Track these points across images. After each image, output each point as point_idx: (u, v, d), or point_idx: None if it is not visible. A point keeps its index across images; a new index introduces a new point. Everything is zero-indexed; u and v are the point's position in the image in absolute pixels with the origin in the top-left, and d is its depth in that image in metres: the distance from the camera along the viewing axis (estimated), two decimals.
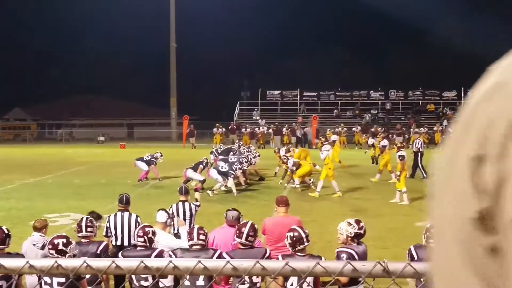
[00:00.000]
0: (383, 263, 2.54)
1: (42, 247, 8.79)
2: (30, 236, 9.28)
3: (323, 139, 31.67)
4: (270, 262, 2.60)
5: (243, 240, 8.04)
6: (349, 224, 8.24)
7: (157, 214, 9.93)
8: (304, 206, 19.14)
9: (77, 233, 8.81)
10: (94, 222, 9.26)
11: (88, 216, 9.35)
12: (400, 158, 20.51)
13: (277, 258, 7.43)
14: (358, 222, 8.27)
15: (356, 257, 7.79)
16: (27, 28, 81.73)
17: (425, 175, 26.63)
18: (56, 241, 7.56)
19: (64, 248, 7.58)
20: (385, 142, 28.24)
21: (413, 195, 21.76)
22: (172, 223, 9.82)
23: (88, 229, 8.97)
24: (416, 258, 7.76)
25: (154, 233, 8.52)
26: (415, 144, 27.95)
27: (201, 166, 23.16)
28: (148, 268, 2.62)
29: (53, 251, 7.46)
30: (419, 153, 27.26)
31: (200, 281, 7.56)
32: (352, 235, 8.13)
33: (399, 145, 22.04)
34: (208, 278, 7.43)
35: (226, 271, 2.60)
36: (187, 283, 7.50)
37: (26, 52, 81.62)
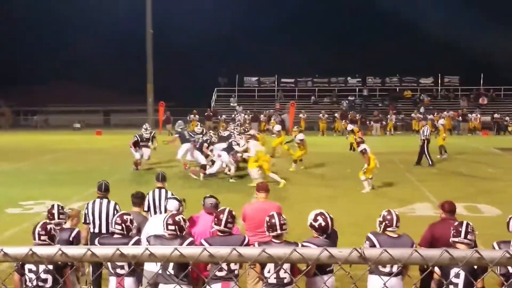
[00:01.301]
0: (359, 250, 2.55)
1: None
2: None
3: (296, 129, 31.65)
4: (247, 249, 2.59)
5: (222, 227, 8.00)
6: (314, 215, 8.09)
7: (168, 203, 9.73)
8: (281, 192, 19.19)
9: (49, 220, 8.72)
10: (65, 209, 9.25)
11: (59, 203, 9.29)
12: (363, 151, 20.08)
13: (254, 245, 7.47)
14: (320, 214, 8.05)
15: (377, 245, 7.80)
16: (0, 14, 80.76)
17: (431, 163, 26.50)
18: (48, 227, 7.53)
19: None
20: (349, 127, 28.36)
21: (392, 182, 21.91)
22: (181, 210, 9.63)
23: (60, 216, 8.93)
24: (377, 246, 7.73)
25: (131, 221, 8.47)
26: (423, 132, 27.26)
27: (205, 144, 23.35)
28: (124, 256, 2.60)
29: (45, 237, 7.42)
30: (426, 141, 26.84)
31: (170, 269, 7.53)
32: (310, 227, 8.05)
33: (358, 140, 21.34)
34: (179, 266, 7.41)
35: (203, 258, 2.59)
36: (159, 270, 7.49)
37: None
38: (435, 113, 49.77)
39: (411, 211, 16.57)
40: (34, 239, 7.50)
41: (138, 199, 10.55)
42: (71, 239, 8.61)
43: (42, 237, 7.45)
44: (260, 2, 79.44)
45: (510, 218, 7.96)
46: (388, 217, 8.04)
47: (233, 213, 8.18)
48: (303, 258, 2.56)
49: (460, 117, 50.61)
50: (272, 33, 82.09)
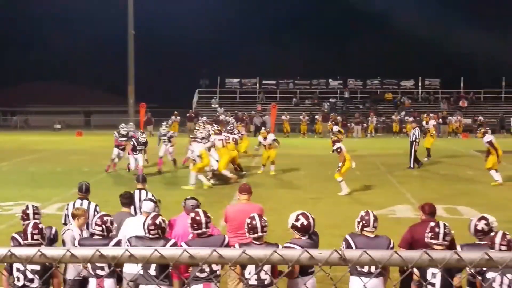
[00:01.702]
0: (339, 251, 2.55)
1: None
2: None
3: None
4: (227, 250, 2.59)
5: (203, 229, 7.99)
6: (295, 216, 8.11)
7: (143, 204, 9.72)
8: (263, 194, 19.19)
9: (23, 221, 8.70)
10: (40, 209, 9.26)
11: (34, 204, 9.28)
12: (338, 150, 20.03)
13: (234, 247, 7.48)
14: (302, 214, 8.09)
15: (353, 245, 7.87)
16: None
17: (412, 166, 26.50)
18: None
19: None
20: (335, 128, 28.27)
21: (373, 184, 21.99)
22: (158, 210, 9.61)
23: (35, 216, 8.89)
24: (354, 247, 7.80)
25: (112, 222, 8.46)
26: (414, 134, 27.09)
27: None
28: (103, 257, 2.59)
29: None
30: (414, 143, 26.70)
31: (152, 271, 7.51)
32: (292, 228, 8.06)
33: (334, 138, 21.22)
34: (161, 268, 7.39)
35: (183, 260, 2.58)
36: (141, 271, 7.47)
37: None
38: (425, 114, 50.03)
39: (391, 213, 16.65)
40: (26, 239, 7.61)
41: (127, 199, 10.52)
42: (52, 236, 8.59)
43: (35, 236, 7.63)
44: (242, 4, 79.47)
45: (471, 221, 8.05)
46: (366, 217, 8.14)
47: (208, 213, 8.18)
48: (284, 260, 2.56)
49: (441, 120, 50.87)
50: (253, 35, 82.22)
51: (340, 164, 19.92)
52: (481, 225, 7.88)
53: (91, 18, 75.31)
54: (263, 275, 7.37)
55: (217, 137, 23.29)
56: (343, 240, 8.08)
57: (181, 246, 7.81)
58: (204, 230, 8.00)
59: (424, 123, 31.03)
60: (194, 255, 2.56)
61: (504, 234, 7.23)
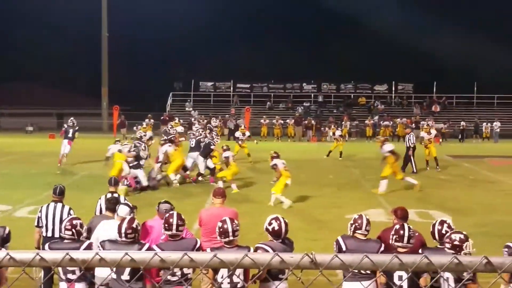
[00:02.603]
0: (311, 255, 2.56)
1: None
2: None
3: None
4: (199, 254, 2.58)
5: (173, 231, 8.03)
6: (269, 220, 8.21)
7: (118, 208, 9.63)
8: (237, 197, 19.20)
9: None
10: None
11: None
12: (274, 167, 19.32)
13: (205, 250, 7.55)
14: (275, 218, 8.14)
15: (343, 247, 8.05)
16: None
17: (415, 170, 26.49)
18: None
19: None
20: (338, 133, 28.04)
21: (346, 188, 22.08)
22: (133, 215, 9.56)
23: None
24: (344, 249, 7.97)
25: (82, 226, 8.42)
26: (409, 139, 27.12)
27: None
28: (73, 260, 2.57)
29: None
30: (411, 148, 26.76)
31: (126, 275, 7.49)
32: (266, 231, 8.14)
33: (273, 154, 20.48)
34: (134, 273, 7.36)
35: (154, 263, 2.58)
36: (114, 275, 7.44)
37: None
38: (426, 124, 50.53)
39: None
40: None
41: (113, 204, 10.39)
42: (5, 235, 8.50)
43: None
44: (216, 7, 79.37)
45: (433, 225, 8.16)
46: (359, 220, 8.30)
47: (182, 216, 8.20)
48: (255, 263, 2.56)
49: (413, 124, 51.19)
50: (228, 38, 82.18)
51: (275, 179, 19.65)
52: (445, 228, 8.01)
53: (64, 20, 74.73)
54: (235, 279, 7.40)
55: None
56: (334, 242, 8.22)
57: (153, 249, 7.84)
58: (175, 232, 8.02)
59: (423, 133, 29.91)
60: (165, 258, 2.55)
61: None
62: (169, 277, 7.63)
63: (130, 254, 2.55)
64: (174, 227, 8.01)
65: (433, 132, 30.30)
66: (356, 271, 2.69)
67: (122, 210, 9.39)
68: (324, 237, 13.47)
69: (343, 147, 32.34)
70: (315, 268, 2.57)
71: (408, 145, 27.00)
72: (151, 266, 2.58)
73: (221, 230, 7.73)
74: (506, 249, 7.78)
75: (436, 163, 28.03)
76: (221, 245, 7.78)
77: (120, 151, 21.45)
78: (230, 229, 7.69)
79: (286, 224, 8.10)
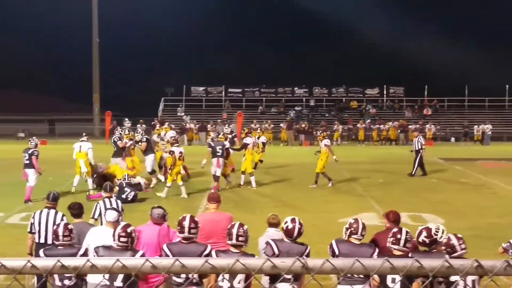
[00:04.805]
0: (302, 260, 2.56)
1: None
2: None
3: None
4: (190, 260, 2.58)
5: (185, 234, 8.08)
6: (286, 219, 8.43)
7: (106, 214, 9.62)
8: (229, 201, 19.17)
9: None
10: None
11: None
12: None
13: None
14: (292, 219, 8.35)
15: (275, 249, 8.02)
16: None
17: (413, 173, 26.63)
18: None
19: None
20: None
21: (338, 192, 22.08)
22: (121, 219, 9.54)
23: None
24: (337, 253, 7.99)
25: (72, 231, 8.45)
26: (419, 141, 27.11)
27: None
28: (65, 267, 2.56)
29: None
30: (421, 150, 26.70)
31: (119, 282, 7.49)
32: (281, 229, 8.41)
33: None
34: (127, 279, 7.36)
35: (145, 270, 2.57)
36: (105, 282, 7.42)
37: None
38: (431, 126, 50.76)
39: None
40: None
41: (77, 210, 10.34)
42: None
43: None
44: (208, 12, 79.44)
45: (421, 230, 8.14)
46: (354, 225, 8.32)
47: (195, 219, 8.22)
48: (246, 269, 2.56)
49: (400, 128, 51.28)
50: (219, 43, 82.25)
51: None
52: (422, 237, 8.01)
53: (55, 26, 74.68)
54: (236, 284, 7.48)
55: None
56: (328, 246, 8.29)
57: (162, 250, 8.15)
58: (187, 235, 8.06)
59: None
60: (156, 264, 2.55)
61: (456, 236, 7.48)
62: (175, 279, 7.79)
63: (122, 260, 2.55)
64: (186, 229, 8.06)
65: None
66: (349, 275, 2.69)
67: (110, 215, 9.37)
68: (317, 241, 13.45)
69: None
70: (306, 273, 2.57)
71: (417, 148, 26.93)
72: (143, 272, 2.58)
73: (227, 231, 7.93)
74: (508, 244, 8.00)
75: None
76: (227, 249, 7.93)
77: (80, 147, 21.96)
78: (234, 232, 7.84)
79: (300, 226, 8.25)
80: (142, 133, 24.85)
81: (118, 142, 23.08)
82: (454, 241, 7.44)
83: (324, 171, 22.97)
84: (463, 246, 7.43)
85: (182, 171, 22.48)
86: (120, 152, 22.93)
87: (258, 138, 26.95)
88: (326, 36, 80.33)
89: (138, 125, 47.23)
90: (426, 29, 74.23)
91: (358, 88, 62.77)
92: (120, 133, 24.33)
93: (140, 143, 23.61)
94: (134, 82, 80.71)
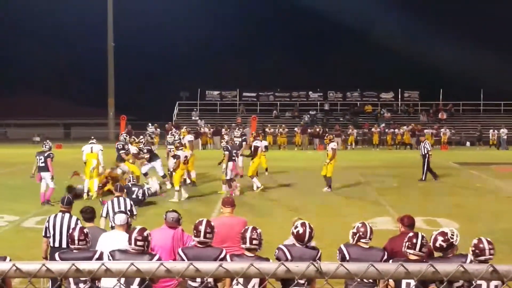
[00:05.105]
0: (316, 264, 2.56)
1: None
2: None
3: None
4: (204, 264, 2.58)
5: (201, 238, 8.08)
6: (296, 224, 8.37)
7: (115, 218, 9.64)
8: (244, 205, 19.16)
9: None
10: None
11: None
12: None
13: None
14: (302, 224, 8.32)
15: (288, 254, 7.97)
16: None
17: (424, 178, 26.35)
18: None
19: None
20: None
21: (352, 196, 22.03)
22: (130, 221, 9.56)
23: None
24: (347, 257, 8.02)
25: (88, 235, 8.46)
26: (425, 147, 26.68)
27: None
28: (79, 271, 2.57)
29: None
30: (428, 155, 26.32)
31: (135, 286, 7.50)
32: (291, 234, 8.29)
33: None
34: (143, 282, 7.38)
35: (159, 274, 2.58)
36: (122, 286, 7.43)
37: None
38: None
39: (371, 225, 16.57)
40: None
41: (89, 214, 10.35)
42: None
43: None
44: (222, 17, 79.63)
45: (436, 236, 8.03)
46: (362, 229, 8.35)
47: (212, 223, 8.23)
48: (260, 273, 2.56)
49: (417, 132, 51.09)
50: (234, 47, 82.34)
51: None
52: (439, 241, 7.93)
53: (71, 31, 75.08)
54: None
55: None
56: (337, 250, 8.28)
57: (177, 253, 8.22)
58: (203, 239, 8.08)
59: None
60: (171, 268, 2.55)
61: (487, 240, 7.42)
62: (190, 283, 7.86)
63: (136, 264, 2.55)
64: (202, 234, 8.06)
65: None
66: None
67: (119, 218, 9.39)
68: (329, 245, 13.41)
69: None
70: (320, 277, 2.57)
71: (423, 153, 26.71)
72: (157, 276, 2.59)
73: (241, 235, 7.90)
74: None
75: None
76: (241, 253, 7.89)
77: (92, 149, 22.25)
78: (248, 236, 7.80)
79: (311, 230, 8.22)
80: (144, 142, 24.36)
81: (121, 152, 22.99)
82: (485, 244, 7.36)
83: (330, 176, 22.76)
84: (492, 251, 7.35)
85: (189, 175, 22.65)
86: (121, 158, 22.95)
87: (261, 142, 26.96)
88: (341, 40, 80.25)
89: (152, 129, 47.15)
90: (442, 33, 73.90)
91: (373, 92, 62.64)
92: (125, 138, 24.37)
93: (143, 154, 23.26)
94: (149, 86, 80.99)
